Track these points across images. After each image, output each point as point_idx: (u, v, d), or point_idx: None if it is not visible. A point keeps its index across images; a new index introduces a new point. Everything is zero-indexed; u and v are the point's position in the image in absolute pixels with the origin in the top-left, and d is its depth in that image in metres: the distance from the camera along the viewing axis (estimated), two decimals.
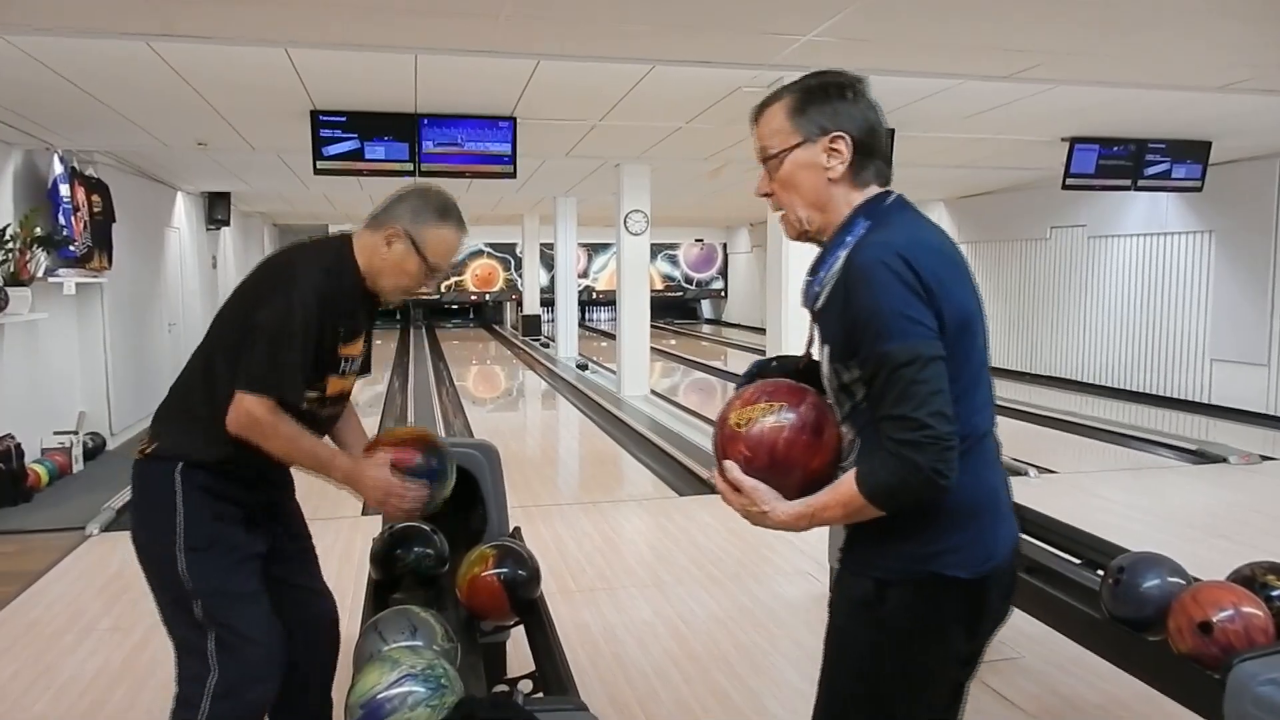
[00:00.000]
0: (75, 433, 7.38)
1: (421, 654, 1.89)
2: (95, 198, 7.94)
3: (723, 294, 23.43)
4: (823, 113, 1.60)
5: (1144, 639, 2.41)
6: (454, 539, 2.91)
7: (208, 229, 12.59)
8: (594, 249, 21.91)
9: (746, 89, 5.71)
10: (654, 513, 5.57)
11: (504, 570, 2.49)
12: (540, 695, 2.11)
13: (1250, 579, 2.40)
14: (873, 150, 1.61)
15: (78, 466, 7.08)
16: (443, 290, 21.64)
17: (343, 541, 4.92)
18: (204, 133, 7.06)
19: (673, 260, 22.62)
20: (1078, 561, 3.08)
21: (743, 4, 4.11)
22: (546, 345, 16.42)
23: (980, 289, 1.63)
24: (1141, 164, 7.75)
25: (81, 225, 7.54)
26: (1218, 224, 9.11)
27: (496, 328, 21.67)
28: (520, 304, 20.32)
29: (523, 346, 16.98)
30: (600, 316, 23.28)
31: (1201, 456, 7.02)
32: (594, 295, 22.33)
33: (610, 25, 4.39)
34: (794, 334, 5.66)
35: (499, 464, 3.30)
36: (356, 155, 6.34)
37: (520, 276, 20.94)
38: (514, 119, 6.49)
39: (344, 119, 6.26)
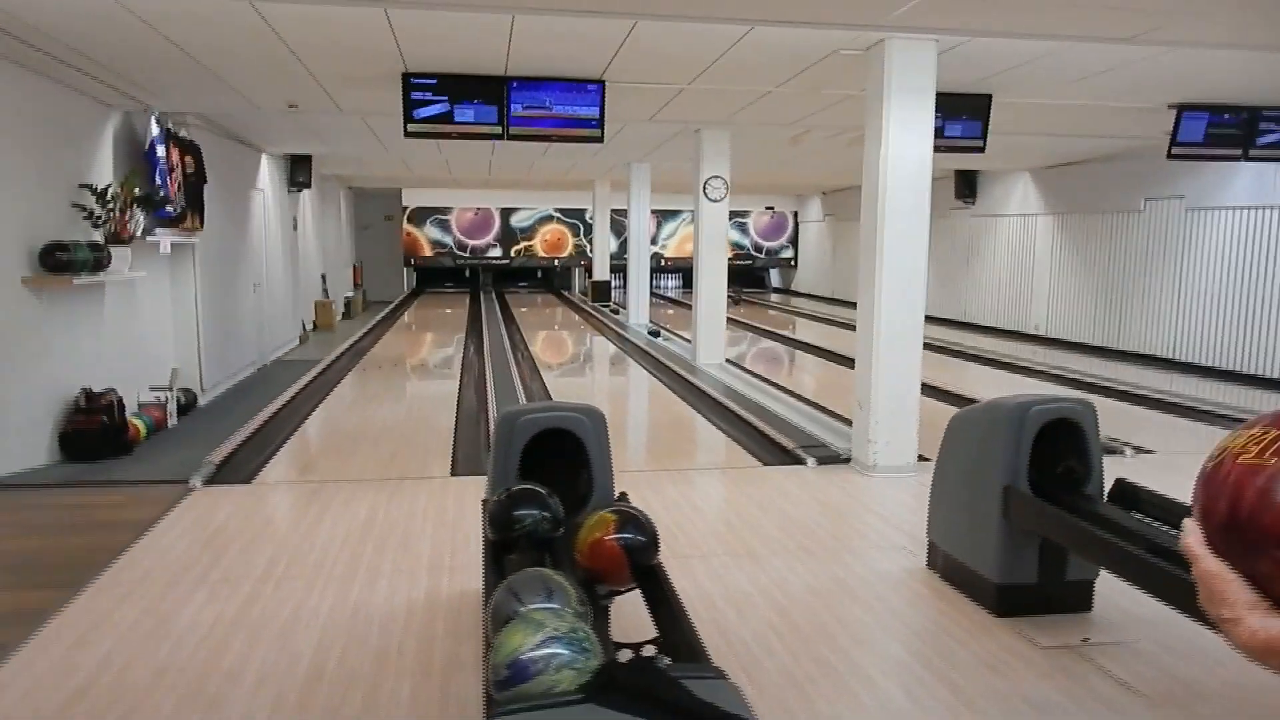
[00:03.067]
0: (170, 388, 7.60)
1: (564, 617, 1.89)
2: (188, 159, 8.12)
3: (792, 263, 23.14)
4: None
5: None
6: (562, 502, 2.92)
7: (289, 191, 12.81)
8: (663, 216, 21.78)
9: (845, 51, 5.56)
10: (739, 481, 5.55)
11: (626, 535, 2.49)
12: (669, 661, 2.10)
13: None
14: None
15: (172, 421, 7.31)
16: (513, 255, 21.77)
17: (435, 502, 4.98)
18: (296, 95, 7.15)
19: (742, 228, 22.37)
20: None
21: None
22: (617, 312, 16.42)
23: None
24: (1255, 132, 7.38)
25: (176, 186, 7.72)
26: None
27: (565, 293, 21.74)
28: (590, 270, 20.34)
29: (593, 312, 17.01)
30: (669, 284, 23.21)
31: None
32: (662, 262, 22.23)
33: None
34: (888, 305, 5.54)
35: (605, 428, 3.30)
36: (446, 118, 6.35)
37: (590, 242, 20.95)
38: (603, 82, 6.42)
39: (434, 81, 6.27)
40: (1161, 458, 6.20)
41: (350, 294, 17.51)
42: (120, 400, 6.53)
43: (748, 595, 3.75)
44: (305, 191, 13.42)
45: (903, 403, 5.60)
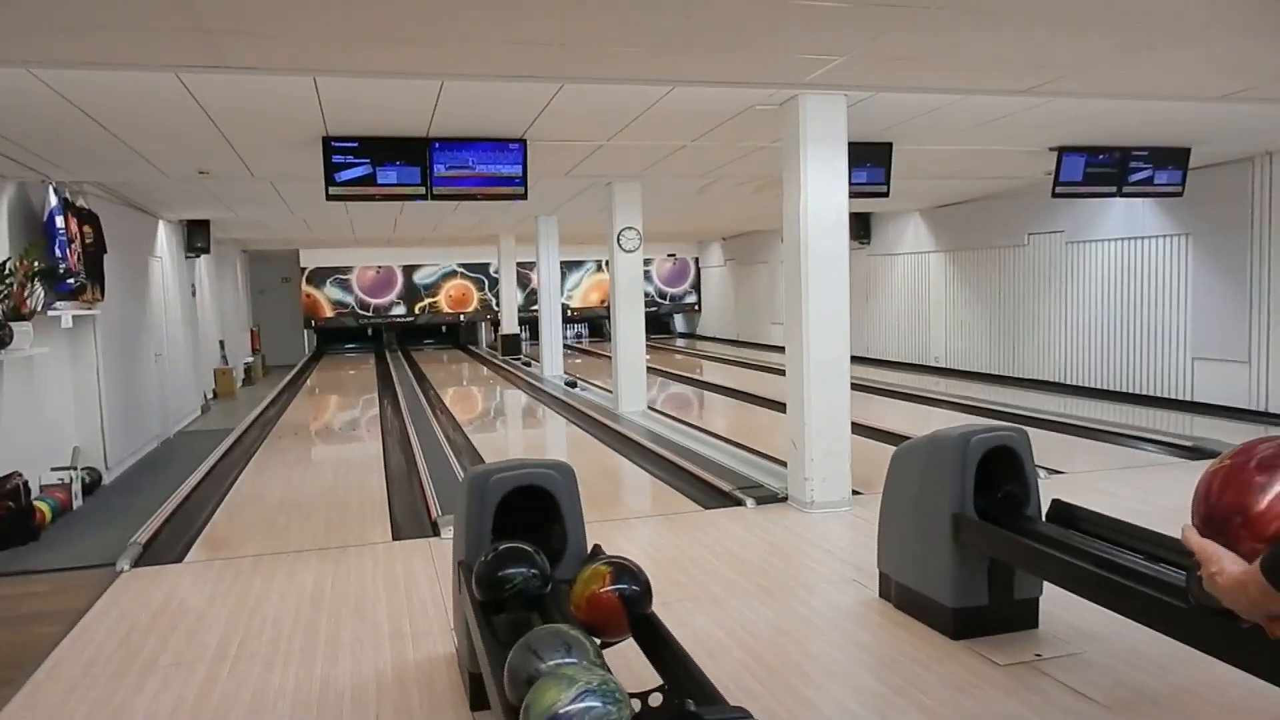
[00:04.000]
0: (74, 468, 7.25)
1: (592, 670, 1.93)
2: (87, 228, 7.84)
3: (696, 308, 23.58)
4: None
5: (1237, 627, 2.51)
6: None
7: (187, 257, 12.44)
8: (567, 267, 21.92)
9: (760, 107, 5.82)
10: (684, 526, 5.62)
11: (622, 586, 2.54)
12: (694, 705, 2.15)
13: None
14: None
15: (77, 503, 6.96)
16: (417, 312, 21.52)
17: (383, 569, 4.89)
18: (209, 161, 7.02)
19: (646, 275, 22.69)
20: (1138, 556, 3.19)
21: (779, 29, 4.21)
22: (529, 364, 16.40)
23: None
24: (1126, 171, 8.02)
25: (76, 257, 7.44)
26: (1194, 226, 9.43)
27: (472, 348, 21.58)
28: (497, 324, 20.28)
29: (504, 366, 16.94)
30: (576, 334, 23.31)
31: (1196, 452, 7.25)
32: (569, 313, 22.34)
33: (646, 47, 4.46)
34: (816, 347, 5.76)
35: (575, 482, 3.35)
36: (369, 180, 6.34)
37: (495, 296, 20.91)
38: (524, 141, 6.54)
39: (356, 144, 6.27)
40: (1072, 477, 6.58)
41: (249, 359, 16.99)
42: (26, 484, 6.19)
43: (716, 638, 3.81)
44: (202, 257, 13.05)
45: (835, 440, 5.81)
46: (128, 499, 7.14)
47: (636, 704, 2.35)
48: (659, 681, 2.40)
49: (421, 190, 6.46)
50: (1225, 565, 1.21)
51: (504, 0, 3.62)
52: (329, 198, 6.36)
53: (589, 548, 3.25)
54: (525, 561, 2.75)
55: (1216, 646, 2.65)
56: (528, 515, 3.31)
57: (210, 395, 13.29)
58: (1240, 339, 8.97)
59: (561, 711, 1.81)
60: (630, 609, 2.54)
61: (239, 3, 3.46)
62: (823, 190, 5.71)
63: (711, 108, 5.89)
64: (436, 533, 5.48)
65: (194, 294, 12.81)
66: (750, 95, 5.57)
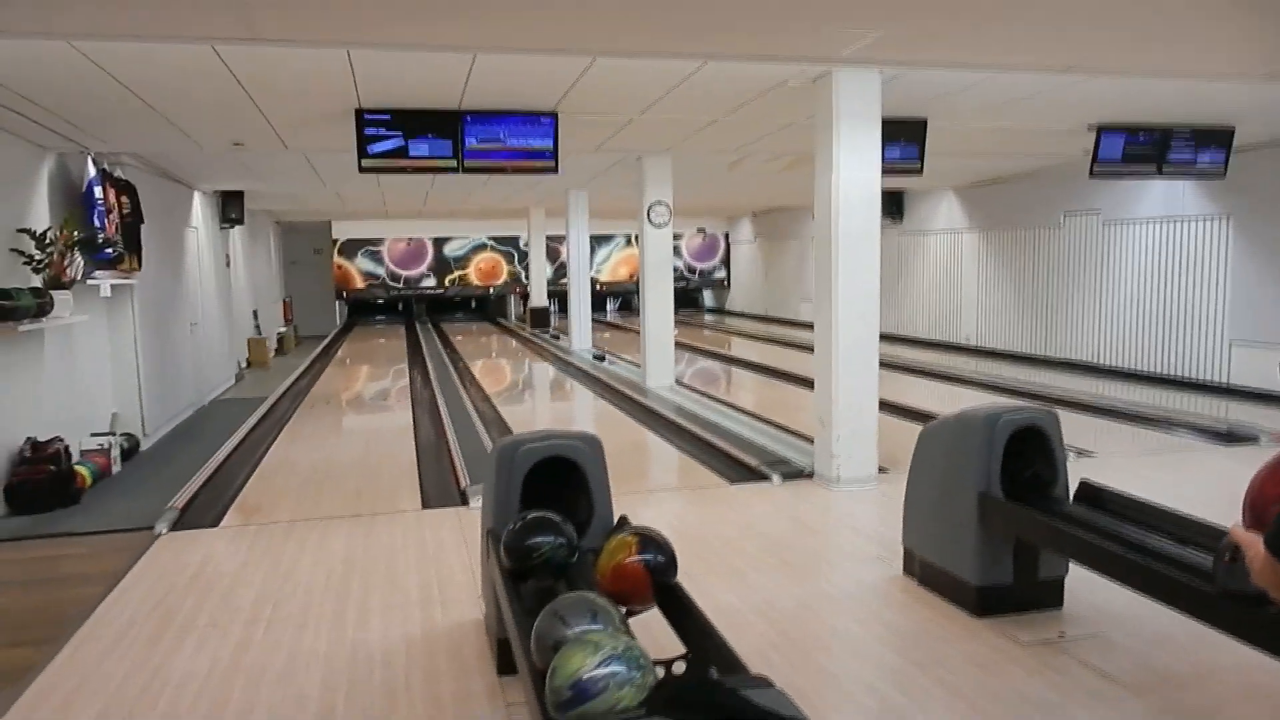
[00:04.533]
0: (112, 434, 7.42)
1: (617, 636, 1.97)
2: (124, 199, 7.95)
3: (725, 284, 23.52)
4: None
5: (1262, 610, 2.51)
6: None
7: (221, 228, 12.58)
8: (597, 241, 21.93)
9: (793, 83, 5.78)
10: (710, 501, 5.66)
11: (648, 556, 2.58)
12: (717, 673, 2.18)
13: None
14: None
15: (116, 468, 7.11)
16: (447, 284, 21.64)
17: (413, 536, 4.97)
18: (243, 133, 7.09)
19: (675, 250, 22.65)
20: (1165, 539, 3.17)
21: (814, 2, 4.17)
22: (557, 337, 16.46)
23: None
24: (1167, 150, 7.86)
25: (114, 227, 7.56)
26: (1235, 208, 9.25)
27: (501, 321, 21.69)
28: (526, 297, 20.34)
29: (533, 339, 17.03)
30: (605, 308, 23.35)
31: (1232, 437, 7.16)
32: (598, 287, 22.36)
33: (679, 21, 4.43)
34: (845, 325, 5.74)
35: (602, 454, 3.39)
36: (401, 153, 6.37)
37: (524, 269, 20.98)
38: (556, 114, 6.54)
39: (388, 117, 6.29)
40: (1101, 459, 6.53)
41: (282, 330, 17.20)
42: (67, 449, 6.34)
43: (740, 613, 3.84)
44: (236, 228, 13.20)
45: (862, 418, 5.80)
46: (164, 465, 7.30)
47: (660, 671, 2.39)
48: (682, 650, 2.44)
49: (453, 163, 6.48)
50: (1259, 548, 1.28)
51: None
52: (362, 170, 6.40)
53: (615, 519, 3.29)
54: (552, 530, 2.79)
55: (1241, 629, 2.64)
56: (555, 486, 3.35)
57: (244, 364, 13.49)
58: (1278, 323, 8.81)
59: (586, 676, 1.85)
60: (655, 579, 2.58)
61: None
62: (855, 168, 5.67)
63: (744, 84, 5.86)
64: (465, 502, 5.55)
65: (228, 264, 12.97)
66: (783, 71, 5.53)
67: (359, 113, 6.25)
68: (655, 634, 2.93)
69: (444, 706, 3.09)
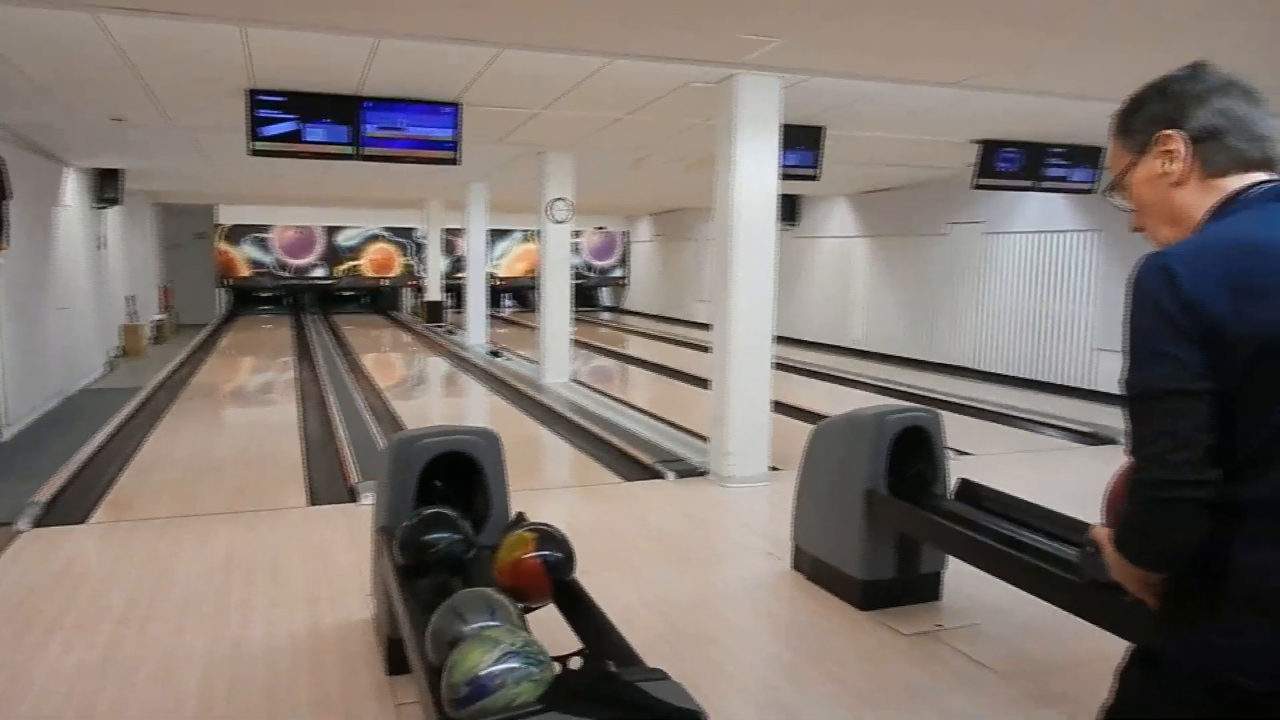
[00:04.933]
0: None
1: (515, 633, 1.96)
2: None
3: (623, 282, 23.61)
4: (1144, 117, 1.41)
5: (1126, 600, 2.68)
6: None
7: (95, 208, 11.90)
8: (495, 235, 21.69)
9: (697, 84, 5.85)
10: (605, 497, 5.69)
11: (546, 553, 2.57)
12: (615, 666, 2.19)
13: None
14: (1224, 132, 1.33)
15: None
16: (337, 275, 21.04)
17: (298, 533, 4.82)
18: (125, 108, 6.73)
19: (575, 248, 22.60)
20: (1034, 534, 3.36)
21: (721, 7, 4.24)
22: (451, 332, 16.22)
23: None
24: (1043, 166, 8.31)
25: None
26: (1105, 223, 9.84)
27: (394, 314, 21.22)
28: (420, 290, 19.97)
29: (427, 333, 16.73)
30: (501, 304, 23.10)
31: (1096, 438, 7.61)
32: (495, 282, 22.12)
33: (589, 17, 4.44)
34: (740, 326, 5.85)
35: (501, 450, 3.37)
36: (295, 137, 6.17)
37: (419, 262, 20.59)
38: (458, 105, 6.44)
39: (283, 99, 6.09)
40: (979, 458, 6.84)
41: (160, 317, 16.39)
42: None
43: (634, 608, 3.87)
44: (112, 208, 12.51)
45: (756, 417, 5.92)
46: (27, 457, 6.87)
47: (557, 667, 2.39)
48: (579, 646, 2.45)
49: (350, 150, 6.32)
50: (1108, 545, 1.37)
51: None
52: (253, 153, 6.17)
53: (512, 515, 3.27)
54: (449, 526, 2.76)
55: (1105, 618, 2.81)
56: (452, 482, 3.31)
57: (117, 353, 12.80)
58: None
59: (484, 672, 1.84)
60: (553, 575, 2.58)
61: None
62: (754, 171, 5.78)
63: (649, 82, 5.90)
64: (355, 499, 5.42)
65: (102, 246, 12.29)
66: (688, 72, 5.60)
67: (251, 93, 6.02)
68: (552, 630, 2.93)
69: (331, 706, 3.02)
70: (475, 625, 2.07)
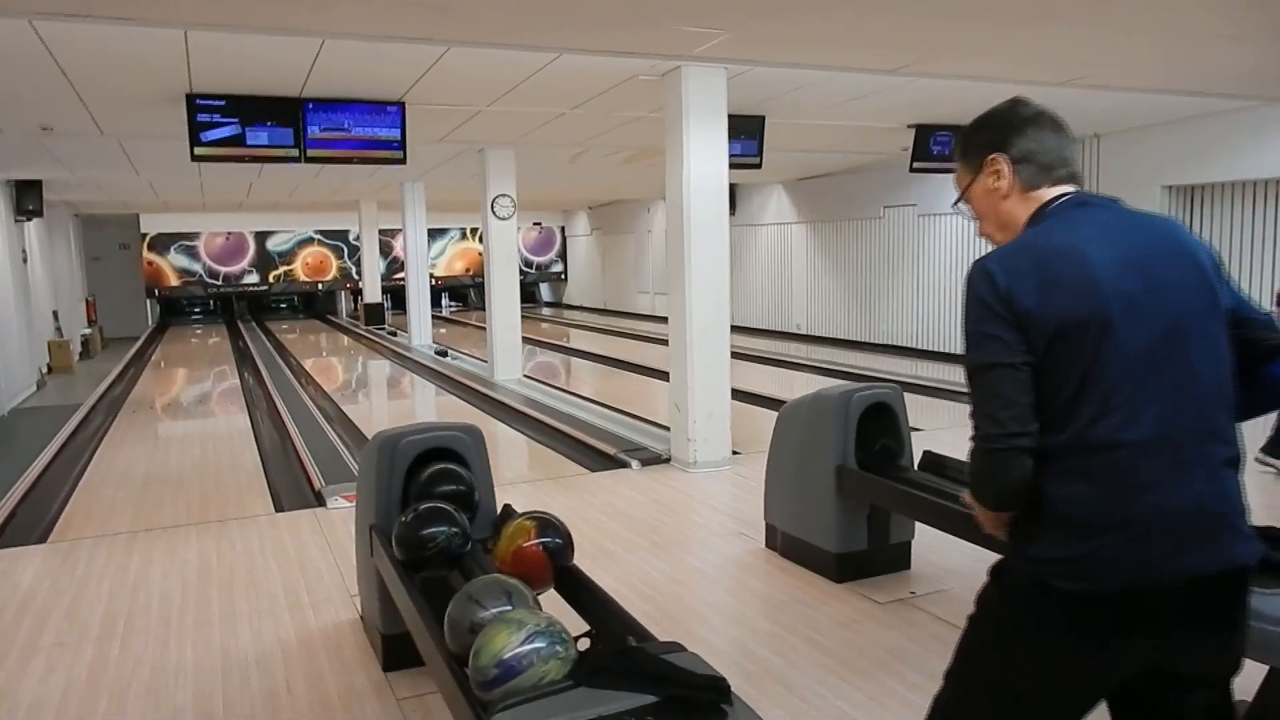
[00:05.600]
0: None
1: (537, 614, 2.02)
2: None
3: (562, 277, 23.60)
4: (976, 145, 1.72)
5: None
6: None
7: (16, 220, 11.49)
8: (431, 234, 21.48)
9: (643, 77, 5.93)
10: (574, 488, 5.75)
11: (547, 539, 2.63)
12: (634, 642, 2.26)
13: None
14: (1036, 156, 1.66)
15: None
16: (271, 281, 20.62)
17: (270, 540, 4.79)
18: (54, 117, 6.54)
19: None
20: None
21: (667, 6, 4.32)
22: (394, 334, 16.05)
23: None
24: None
25: None
26: None
27: (332, 318, 20.88)
28: (358, 293, 19.70)
29: (368, 335, 16.52)
30: (440, 303, 22.90)
31: None
32: (433, 282, 21.92)
33: (535, 13, 4.48)
34: (698, 313, 5.96)
35: (484, 445, 3.42)
36: (238, 140, 6.08)
37: (355, 264, 20.31)
38: (403, 104, 6.41)
39: (223, 103, 5.99)
40: (929, 433, 7.07)
41: (86, 331, 15.89)
42: None
43: (617, 591, 3.88)
44: (33, 220, 12.09)
45: (716, 403, 6.05)
46: None
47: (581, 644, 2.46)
48: (585, 628, 2.52)
49: (295, 152, 6.25)
50: (968, 498, 1.68)
51: None
52: (194, 158, 6.06)
53: (498, 508, 3.32)
54: (446, 520, 2.80)
55: None
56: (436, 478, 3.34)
57: (46, 370, 12.40)
58: None
59: (511, 653, 1.90)
60: (555, 561, 2.64)
61: None
62: (704, 161, 5.88)
63: (595, 77, 5.96)
64: (322, 503, 5.39)
65: (24, 260, 11.87)
66: (633, 65, 5.67)
67: (190, 98, 5.92)
68: (555, 614, 3.00)
69: (332, 706, 3.03)
70: (494, 610, 2.13)
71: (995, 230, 1.74)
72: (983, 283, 1.55)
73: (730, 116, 6.12)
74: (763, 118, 7.50)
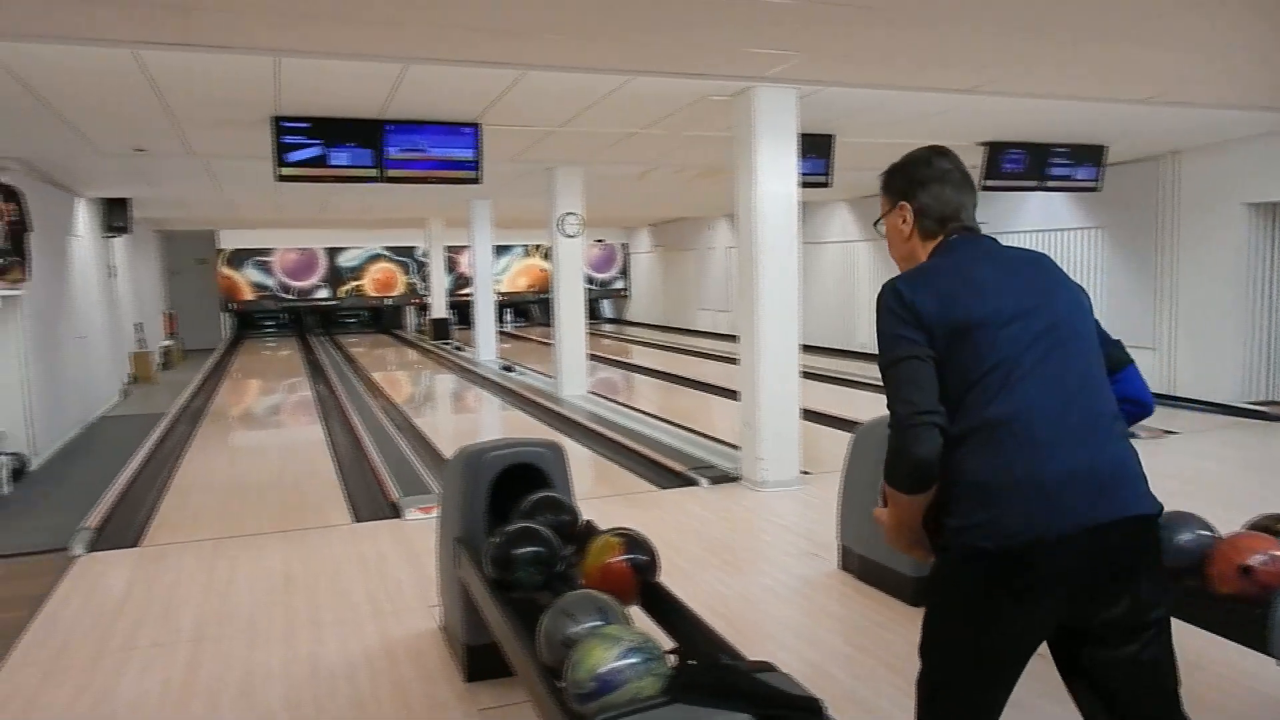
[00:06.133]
0: (0, 454, 7.02)
1: (632, 630, 2.06)
2: (11, 206, 7.56)
3: (625, 293, 23.74)
4: (890, 187, 2.06)
5: (1183, 584, 2.80)
6: None
7: (105, 236, 12.00)
8: (496, 251, 21.81)
9: (714, 97, 5.98)
10: (643, 505, 5.78)
11: (633, 556, 2.67)
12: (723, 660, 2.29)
13: (1268, 528, 2.83)
14: (933, 211, 1.99)
15: (6, 489, 6.75)
16: (341, 295, 21.13)
17: (351, 549, 4.91)
18: (148, 138, 6.83)
19: None
20: None
21: (742, 25, 4.37)
22: (460, 349, 16.31)
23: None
24: (1047, 166, 8.46)
25: (1, 236, 7.18)
26: (1107, 220, 10.00)
27: (398, 332, 21.30)
28: (423, 308, 20.07)
29: (435, 350, 16.82)
30: (504, 319, 23.21)
31: None
32: (498, 297, 22.24)
33: (612, 39, 4.56)
34: (768, 333, 5.96)
35: (566, 461, 3.47)
36: (320, 161, 6.28)
37: (422, 280, 20.71)
38: (478, 125, 6.56)
39: (308, 125, 6.19)
40: None
41: (167, 343, 16.46)
42: None
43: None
44: (120, 237, 12.60)
45: (786, 422, 6.04)
46: (58, 485, 6.97)
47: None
48: (669, 644, 2.54)
49: (374, 172, 6.43)
50: (884, 496, 1.93)
51: None
52: (280, 179, 6.27)
53: (581, 521, 3.37)
54: (538, 540, 2.83)
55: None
56: (517, 493, 3.41)
57: (130, 380, 12.87)
58: (1147, 327, 9.56)
59: (608, 668, 1.93)
60: (641, 577, 2.68)
61: None
62: (774, 181, 5.90)
63: (667, 98, 6.02)
64: (398, 514, 5.51)
65: (112, 275, 12.38)
66: (705, 86, 5.72)
67: (276, 120, 6.13)
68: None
69: (416, 715, 3.11)
70: (587, 624, 2.17)
71: (899, 259, 2.07)
72: (892, 297, 1.86)
73: (801, 135, 6.13)
74: (832, 136, 7.50)
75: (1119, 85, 5.95)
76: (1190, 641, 3.41)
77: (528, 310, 23.74)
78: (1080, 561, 1.73)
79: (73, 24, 3.89)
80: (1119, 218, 9.86)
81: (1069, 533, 1.71)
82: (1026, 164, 8.42)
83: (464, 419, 10.58)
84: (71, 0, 3.61)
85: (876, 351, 1.89)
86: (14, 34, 4.00)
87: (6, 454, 7.07)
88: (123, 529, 5.44)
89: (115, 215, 11.96)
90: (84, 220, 10.82)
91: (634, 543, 2.73)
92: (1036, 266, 1.94)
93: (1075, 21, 4.48)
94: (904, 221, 2.01)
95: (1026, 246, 2.05)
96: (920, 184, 2.00)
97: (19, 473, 7.19)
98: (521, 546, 2.80)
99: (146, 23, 3.90)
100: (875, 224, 2.13)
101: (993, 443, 1.75)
